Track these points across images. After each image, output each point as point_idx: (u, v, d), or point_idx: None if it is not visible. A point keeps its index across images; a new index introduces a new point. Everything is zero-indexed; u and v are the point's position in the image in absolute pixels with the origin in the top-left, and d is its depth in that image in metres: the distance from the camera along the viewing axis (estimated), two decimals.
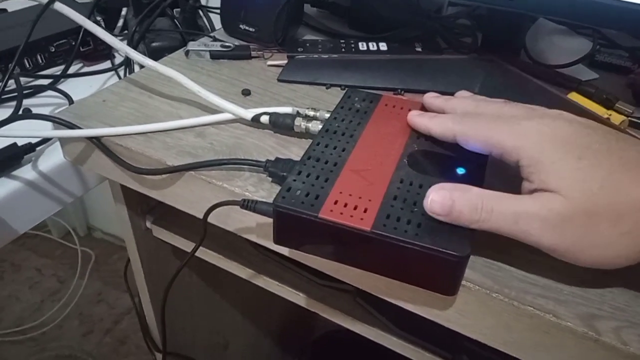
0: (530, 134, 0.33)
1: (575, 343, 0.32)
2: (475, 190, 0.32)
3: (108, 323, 1.47)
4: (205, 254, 0.57)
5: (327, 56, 0.57)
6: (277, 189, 0.35)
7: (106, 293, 1.54)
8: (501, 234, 0.32)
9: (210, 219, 0.42)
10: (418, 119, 0.39)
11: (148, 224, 0.60)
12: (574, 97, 0.52)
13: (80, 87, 0.61)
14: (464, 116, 0.37)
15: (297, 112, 0.47)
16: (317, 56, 0.57)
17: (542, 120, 0.33)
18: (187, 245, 0.59)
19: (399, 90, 0.54)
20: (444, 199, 0.32)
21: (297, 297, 0.54)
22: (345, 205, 0.33)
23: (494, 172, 0.37)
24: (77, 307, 1.48)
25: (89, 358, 1.39)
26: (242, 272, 0.56)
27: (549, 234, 0.31)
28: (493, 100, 0.39)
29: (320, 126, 0.42)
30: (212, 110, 0.48)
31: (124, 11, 0.74)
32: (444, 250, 0.30)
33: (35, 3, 0.57)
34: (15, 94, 0.56)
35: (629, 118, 0.50)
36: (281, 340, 1.20)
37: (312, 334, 1.28)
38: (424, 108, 0.42)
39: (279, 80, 0.55)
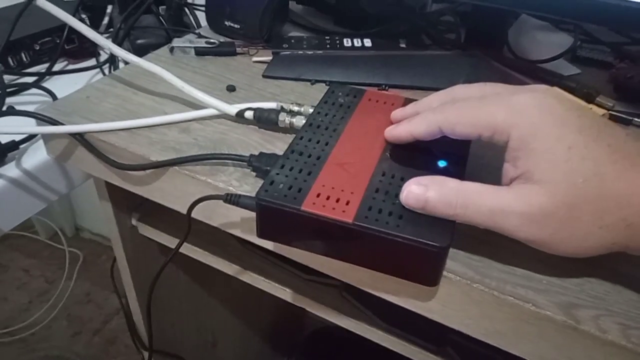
0: (523, 111, 0.31)
1: (556, 331, 0.32)
2: (452, 184, 0.32)
3: (97, 323, 1.46)
4: (191, 251, 0.57)
5: (312, 52, 0.57)
6: (261, 183, 0.35)
7: (94, 293, 1.53)
8: (480, 226, 0.32)
9: (195, 215, 0.42)
10: (396, 130, 0.37)
11: (133, 222, 0.60)
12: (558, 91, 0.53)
13: (65, 85, 0.61)
14: (443, 105, 0.35)
15: (282, 107, 0.47)
16: (302, 52, 0.57)
17: (533, 94, 0.32)
18: (172, 242, 0.59)
19: (384, 86, 0.54)
20: (419, 193, 0.32)
21: (284, 293, 0.55)
22: (328, 197, 0.33)
23: (478, 162, 0.37)
24: (65, 308, 1.47)
25: (77, 359, 1.38)
26: (228, 268, 0.56)
27: (526, 228, 0.30)
28: (469, 85, 0.37)
29: (305, 121, 0.42)
30: (197, 106, 0.48)
31: (109, 9, 0.73)
32: (424, 241, 0.31)
33: (20, 0, 0.57)
34: None
35: (610, 112, 0.50)
36: (271, 337, 1.20)
37: (302, 330, 1.29)
38: (407, 102, 0.43)
39: (264, 76, 0.55)
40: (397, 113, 0.40)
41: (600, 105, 0.51)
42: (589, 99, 0.51)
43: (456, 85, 0.38)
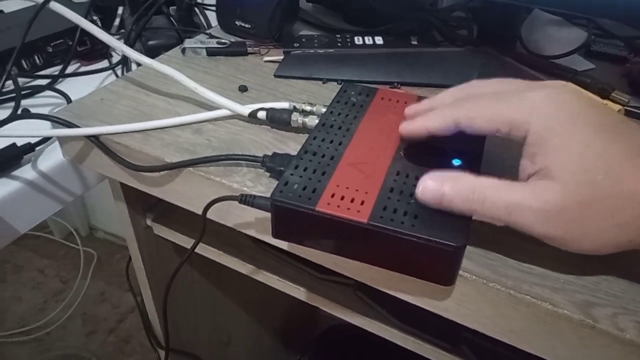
0: (540, 106, 0.31)
1: (572, 330, 0.32)
2: (467, 179, 0.32)
3: (112, 322, 1.47)
4: (206, 251, 0.57)
5: (323, 51, 0.57)
6: (275, 183, 0.35)
7: (109, 293, 1.54)
8: (496, 222, 0.31)
9: (209, 215, 0.42)
10: (411, 125, 0.37)
11: (148, 222, 0.60)
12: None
13: (79, 87, 0.61)
14: (459, 101, 0.35)
15: (294, 107, 0.47)
16: (313, 51, 0.57)
17: (549, 90, 0.32)
18: (187, 242, 0.59)
19: (396, 84, 0.54)
20: (435, 188, 0.31)
21: (298, 292, 0.55)
22: (342, 198, 0.33)
23: (492, 160, 0.37)
24: (80, 307, 1.49)
25: (93, 357, 1.39)
26: (243, 267, 0.56)
27: (541, 224, 0.30)
28: (484, 81, 0.37)
29: (317, 121, 0.42)
30: (209, 106, 0.48)
31: (120, 10, 0.74)
32: (440, 241, 0.31)
33: (32, 3, 0.57)
34: (14, 94, 0.56)
35: (625, 107, 0.50)
36: (285, 335, 1.21)
37: (316, 329, 1.29)
38: (419, 100, 0.43)
39: (276, 75, 0.55)
40: (410, 109, 0.39)
41: (615, 101, 0.50)
42: (604, 95, 0.51)
43: (471, 81, 0.38)
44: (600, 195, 0.29)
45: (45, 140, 0.53)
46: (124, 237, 0.63)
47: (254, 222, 0.42)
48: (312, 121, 0.44)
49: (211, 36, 0.61)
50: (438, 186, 0.32)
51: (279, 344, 1.19)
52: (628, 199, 0.29)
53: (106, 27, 0.73)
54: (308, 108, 0.46)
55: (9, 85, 0.57)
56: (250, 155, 0.42)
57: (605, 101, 0.50)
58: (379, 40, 0.58)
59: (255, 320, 1.03)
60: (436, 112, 0.36)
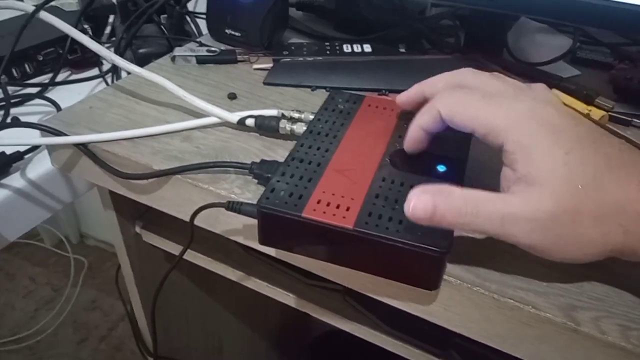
0: (520, 117, 0.31)
1: (556, 333, 0.33)
2: (458, 192, 0.31)
3: (103, 330, 1.47)
4: (195, 257, 0.57)
5: (312, 59, 0.57)
6: (262, 190, 0.36)
7: (100, 300, 1.54)
8: (483, 234, 0.31)
9: (198, 222, 0.42)
10: (408, 135, 0.37)
11: (137, 229, 0.61)
12: (556, 93, 0.53)
13: (68, 95, 0.61)
14: (448, 91, 0.35)
15: (282, 114, 0.47)
16: (302, 59, 0.57)
17: (532, 103, 0.32)
18: (176, 249, 0.59)
19: (384, 91, 0.54)
20: (426, 203, 0.30)
21: (288, 298, 0.55)
22: (328, 204, 0.34)
23: (476, 166, 0.37)
24: (71, 315, 1.48)
25: None
26: (232, 274, 0.57)
27: (533, 234, 0.30)
28: (477, 72, 0.37)
29: (305, 128, 0.43)
30: (199, 114, 0.49)
31: (111, 18, 0.74)
32: (425, 246, 0.31)
33: (22, 12, 0.57)
34: (3, 103, 0.56)
35: (609, 113, 0.50)
36: (278, 342, 1.20)
37: (309, 335, 1.29)
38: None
39: (265, 83, 0.55)
40: (402, 96, 0.40)
41: (599, 107, 0.51)
42: (589, 101, 0.51)
43: (465, 68, 0.37)
44: (587, 202, 0.30)
45: (34, 148, 0.53)
46: (114, 245, 0.63)
47: (241, 229, 0.42)
48: (300, 128, 0.45)
49: (201, 44, 0.62)
50: (429, 200, 0.30)
51: (271, 350, 1.19)
52: (612, 207, 0.30)
53: (97, 35, 0.73)
54: (296, 115, 0.47)
55: None
56: (238, 162, 0.42)
57: (589, 107, 0.51)
58: (367, 48, 0.59)
59: (247, 327, 1.03)
60: (426, 106, 0.35)
